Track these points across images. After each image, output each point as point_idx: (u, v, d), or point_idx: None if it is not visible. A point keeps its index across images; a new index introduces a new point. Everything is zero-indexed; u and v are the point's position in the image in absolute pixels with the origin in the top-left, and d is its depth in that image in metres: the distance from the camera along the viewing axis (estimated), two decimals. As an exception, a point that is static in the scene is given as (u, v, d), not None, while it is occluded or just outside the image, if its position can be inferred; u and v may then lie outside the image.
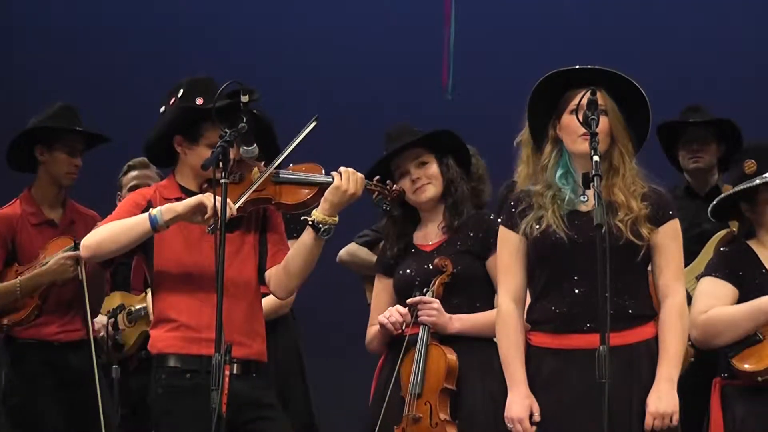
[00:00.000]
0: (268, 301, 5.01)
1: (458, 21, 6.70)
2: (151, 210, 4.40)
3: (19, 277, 5.54)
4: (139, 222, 4.40)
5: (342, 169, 4.51)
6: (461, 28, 6.74)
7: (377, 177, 4.68)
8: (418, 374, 4.68)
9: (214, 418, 4.00)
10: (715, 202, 5.00)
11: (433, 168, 4.89)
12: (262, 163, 4.61)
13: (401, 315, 4.76)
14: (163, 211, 4.38)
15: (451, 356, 4.69)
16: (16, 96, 7.85)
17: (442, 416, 4.64)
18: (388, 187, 4.66)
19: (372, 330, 4.96)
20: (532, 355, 4.25)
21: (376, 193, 4.64)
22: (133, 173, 6.19)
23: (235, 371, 4.22)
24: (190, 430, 4.35)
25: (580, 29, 7.52)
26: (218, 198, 4.21)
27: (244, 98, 4.31)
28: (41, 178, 5.73)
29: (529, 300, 4.37)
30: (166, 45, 7.79)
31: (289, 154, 4.52)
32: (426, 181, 4.87)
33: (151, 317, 5.00)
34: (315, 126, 4.51)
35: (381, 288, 5.00)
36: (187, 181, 4.60)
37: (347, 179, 4.47)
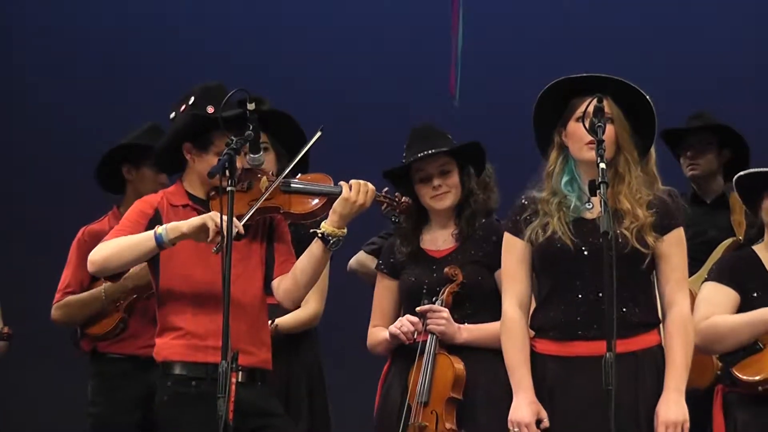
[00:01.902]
0: (299, 314, 5.13)
1: (466, 26, 6.68)
2: (156, 228, 4.40)
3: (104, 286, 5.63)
4: (145, 240, 4.40)
5: (352, 180, 4.51)
6: (468, 33, 6.73)
7: (386, 189, 4.67)
8: (425, 382, 4.68)
9: (220, 425, 4.00)
10: (737, 179, 4.98)
11: (455, 177, 4.88)
12: (271, 172, 4.60)
13: (412, 324, 4.75)
14: (168, 229, 4.38)
15: (459, 366, 4.68)
16: (16, 96, 7.85)
17: (448, 425, 4.64)
18: (396, 198, 4.65)
19: (377, 333, 4.95)
20: (537, 362, 4.25)
21: (385, 204, 4.64)
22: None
23: (240, 379, 4.21)
24: None
25: (587, 33, 7.52)
26: (224, 217, 4.19)
27: (251, 106, 4.31)
28: (129, 197, 5.73)
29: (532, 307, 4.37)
30: (166, 45, 7.78)
31: (296, 164, 4.52)
32: (446, 189, 4.85)
33: None
34: (320, 136, 4.51)
35: (384, 288, 4.99)
36: (194, 188, 4.59)
37: (357, 191, 4.47)
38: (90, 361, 5.78)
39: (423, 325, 4.73)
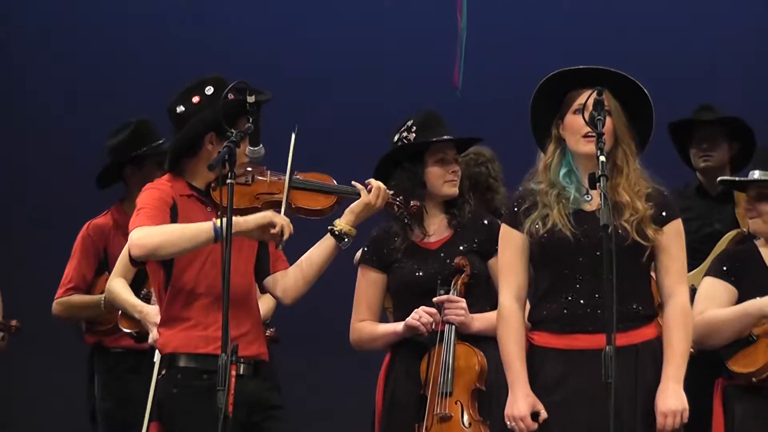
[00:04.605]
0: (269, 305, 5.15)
1: (470, 18, 6.68)
2: (215, 221, 4.31)
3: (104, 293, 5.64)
4: (203, 231, 4.32)
5: (372, 182, 4.57)
6: (472, 25, 6.73)
7: (392, 192, 4.70)
8: (448, 373, 4.71)
9: (220, 418, 4.00)
10: (720, 181, 5.09)
11: (460, 169, 4.98)
12: (264, 167, 4.60)
13: (431, 315, 4.76)
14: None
15: (482, 356, 4.74)
16: (16, 96, 7.86)
17: (475, 416, 4.69)
18: (405, 201, 4.72)
19: (368, 328, 4.95)
20: (536, 355, 4.23)
21: (396, 207, 4.68)
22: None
23: (243, 372, 4.23)
24: (209, 430, 4.33)
25: (589, 29, 7.53)
26: (284, 219, 4.26)
27: (251, 99, 4.31)
28: (132, 193, 5.74)
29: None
30: (166, 46, 7.79)
31: (294, 159, 4.53)
32: (458, 177, 4.93)
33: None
34: (297, 136, 4.52)
35: (371, 282, 5.00)
36: (197, 180, 4.55)
37: (376, 195, 4.55)
38: (96, 357, 5.81)
39: (440, 315, 4.77)
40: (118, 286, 5.41)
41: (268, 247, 4.62)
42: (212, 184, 4.51)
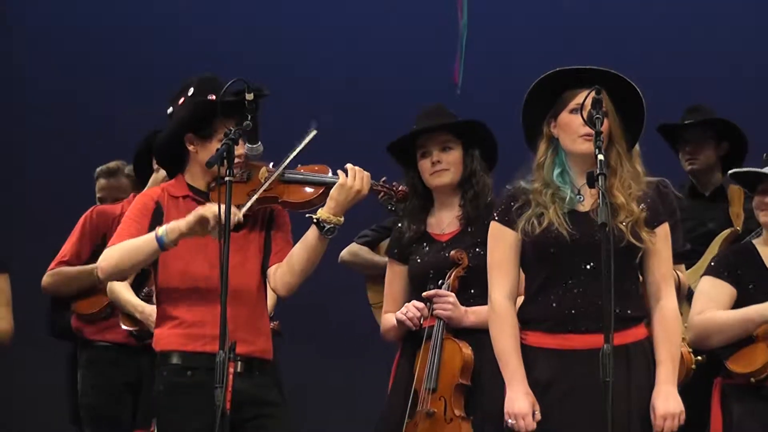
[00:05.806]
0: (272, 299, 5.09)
1: (470, 15, 6.69)
2: (156, 230, 4.38)
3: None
4: (147, 243, 4.40)
5: (348, 166, 4.50)
6: (472, 23, 6.75)
7: (384, 178, 4.67)
8: (433, 369, 4.68)
9: (218, 415, 3.99)
10: (732, 174, 5.06)
11: (456, 155, 4.90)
12: (271, 164, 4.60)
13: (418, 309, 4.76)
14: (168, 230, 4.37)
15: (467, 351, 4.69)
16: (15, 96, 7.87)
17: (457, 412, 4.64)
18: (394, 187, 4.66)
19: (388, 319, 4.96)
20: (528, 355, 4.21)
21: (382, 193, 4.64)
22: (100, 182, 6.24)
23: (237, 369, 4.20)
24: (190, 427, 4.35)
25: (585, 29, 7.54)
26: (222, 205, 4.21)
27: (249, 96, 4.31)
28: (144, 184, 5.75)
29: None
30: (166, 46, 7.79)
31: (296, 155, 4.52)
32: (445, 166, 4.87)
33: None
34: (315, 134, 4.52)
35: (394, 275, 5.00)
36: (195, 180, 4.58)
37: (353, 176, 4.46)
38: (80, 351, 5.80)
39: (429, 310, 4.75)
40: (119, 286, 5.46)
41: (272, 240, 4.62)
42: (211, 184, 4.53)
